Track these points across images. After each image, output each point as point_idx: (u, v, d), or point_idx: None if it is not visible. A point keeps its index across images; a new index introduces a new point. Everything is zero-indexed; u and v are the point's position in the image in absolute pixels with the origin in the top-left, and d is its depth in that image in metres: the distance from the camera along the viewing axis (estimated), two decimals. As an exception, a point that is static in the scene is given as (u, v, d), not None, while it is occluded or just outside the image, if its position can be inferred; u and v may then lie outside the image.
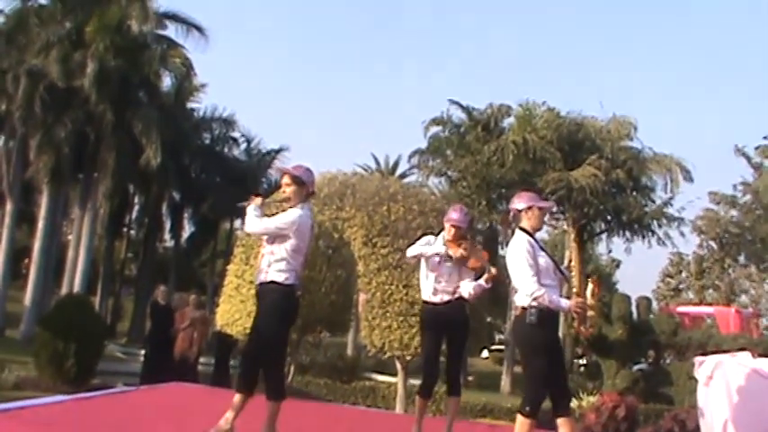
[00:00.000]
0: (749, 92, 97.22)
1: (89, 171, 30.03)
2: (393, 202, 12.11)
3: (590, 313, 5.59)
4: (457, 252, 6.55)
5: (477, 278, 6.64)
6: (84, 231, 29.73)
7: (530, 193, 6.24)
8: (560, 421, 5.67)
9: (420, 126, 32.61)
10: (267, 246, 5.98)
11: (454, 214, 6.84)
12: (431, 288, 6.72)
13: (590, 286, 5.77)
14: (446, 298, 6.65)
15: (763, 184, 36.68)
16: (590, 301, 5.63)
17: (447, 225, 6.76)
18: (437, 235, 6.86)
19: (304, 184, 6.13)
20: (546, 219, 5.92)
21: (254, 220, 6.00)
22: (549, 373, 5.68)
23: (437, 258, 6.66)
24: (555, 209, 29.44)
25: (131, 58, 28.88)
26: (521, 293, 5.70)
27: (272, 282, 5.88)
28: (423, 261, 6.80)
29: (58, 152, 28.20)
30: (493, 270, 6.49)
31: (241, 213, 6.44)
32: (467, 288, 6.64)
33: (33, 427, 6.05)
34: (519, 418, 5.63)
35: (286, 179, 6.13)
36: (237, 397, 5.89)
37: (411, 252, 6.85)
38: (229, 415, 5.85)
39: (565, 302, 5.64)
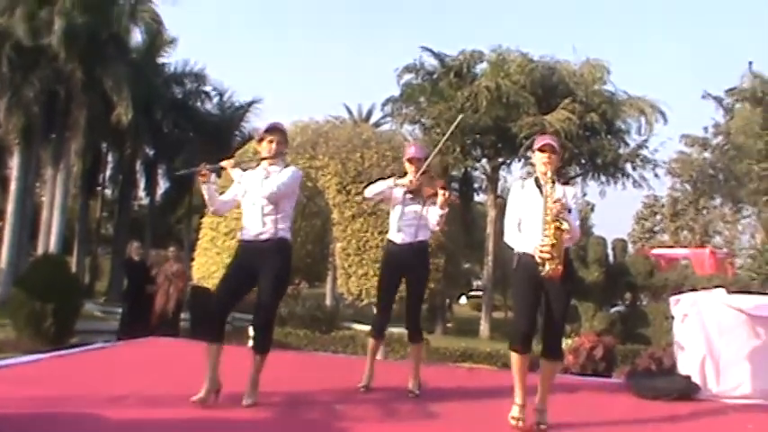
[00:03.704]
0: (717, 34, 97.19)
1: (60, 130, 29.69)
2: (366, 149, 12.07)
3: (545, 255, 5.53)
4: (411, 182, 6.49)
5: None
6: (57, 191, 29.49)
7: (544, 136, 6.22)
8: (541, 362, 5.75)
9: (393, 74, 32.51)
10: (266, 204, 5.90)
11: (409, 149, 6.82)
12: (395, 226, 6.65)
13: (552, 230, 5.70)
14: (407, 239, 6.58)
15: (735, 125, 36.85)
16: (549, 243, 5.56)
17: (406, 163, 6.68)
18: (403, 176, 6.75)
19: (287, 142, 6.18)
20: (546, 159, 5.68)
21: (265, 185, 5.90)
22: (527, 307, 5.74)
23: (399, 193, 6.60)
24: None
25: (99, 14, 28.40)
26: None
27: (281, 239, 5.92)
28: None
29: (28, 112, 27.85)
30: (443, 194, 6.35)
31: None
32: (432, 220, 6.57)
33: (10, 384, 6.03)
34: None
35: (277, 136, 6.06)
36: (212, 349, 5.82)
37: (370, 192, 6.78)
38: (210, 375, 5.78)
39: (528, 247, 5.64)
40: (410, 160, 6.65)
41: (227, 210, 6.50)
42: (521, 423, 5.61)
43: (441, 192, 6.37)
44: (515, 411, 5.67)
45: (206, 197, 6.07)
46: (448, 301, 38.28)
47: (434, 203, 6.50)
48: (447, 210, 6.47)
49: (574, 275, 6.03)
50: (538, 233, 5.58)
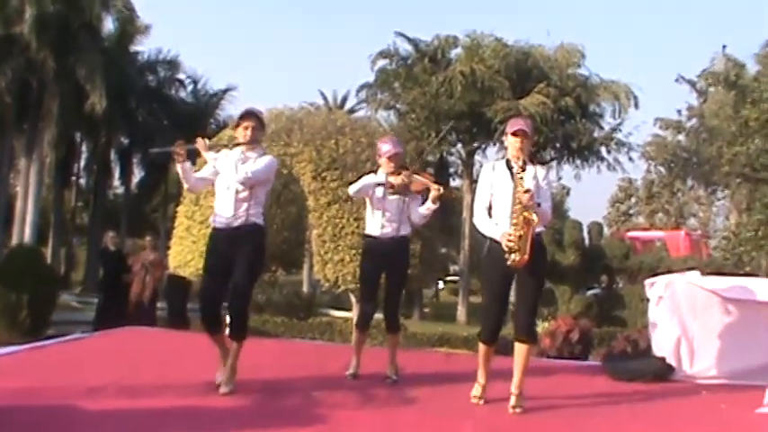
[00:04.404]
0: (691, 19, 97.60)
1: (33, 120, 29.48)
2: (341, 136, 12.01)
3: (510, 244, 5.53)
4: (398, 179, 6.35)
5: (424, 201, 6.55)
6: (31, 182, 29.31)
7: (517, 119, 6.09)
8: (515, 345, 5.79)
9: (367, 60, 32.46)
10: (241, 189, 5.86)
11: (385, 146, 6.64)
12: (378, 223, 6.54)
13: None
14: (390, 233, 6.51)
15: (709, 109, 37.05)
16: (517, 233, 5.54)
17: (383, 160, 6.55)
18: (376, 172, 6.66)
19: (264, 128, 6.11)
20: (519, 144, 5.67)
21: (240, 169, 5.83)
22: (496, 299, 5.85)
23: (381, 192, 6.48)
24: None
25: (71, 3, 28.17)
26: None
27: (254, 224, 5.90)
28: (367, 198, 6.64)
29: (0, 102, 27.64)
30: (438, 188, 6.33)
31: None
32: (418, 214, 6.54)
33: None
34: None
35: (253, 121, 5.99)
36: (216, 340, 6.06)
37: (354, 189, 6.63)
38: (223, 360, 6.00)
39: (496, 233, 5.65)
40: (389, 158, 6.51)
41: (202, 187, 6.50)
42: (481, 401, 5.84)
43: (435, 186, 6.35)
44: (477, 390, 5.90)
45: (181, 174, 6.02)
46: (434, 288, 38.54)
47: (417, 196, 6.53)
48: (438, 204, 6.47)
49: (546, 260, 6.07)
50: (507, 218, 5.60)
